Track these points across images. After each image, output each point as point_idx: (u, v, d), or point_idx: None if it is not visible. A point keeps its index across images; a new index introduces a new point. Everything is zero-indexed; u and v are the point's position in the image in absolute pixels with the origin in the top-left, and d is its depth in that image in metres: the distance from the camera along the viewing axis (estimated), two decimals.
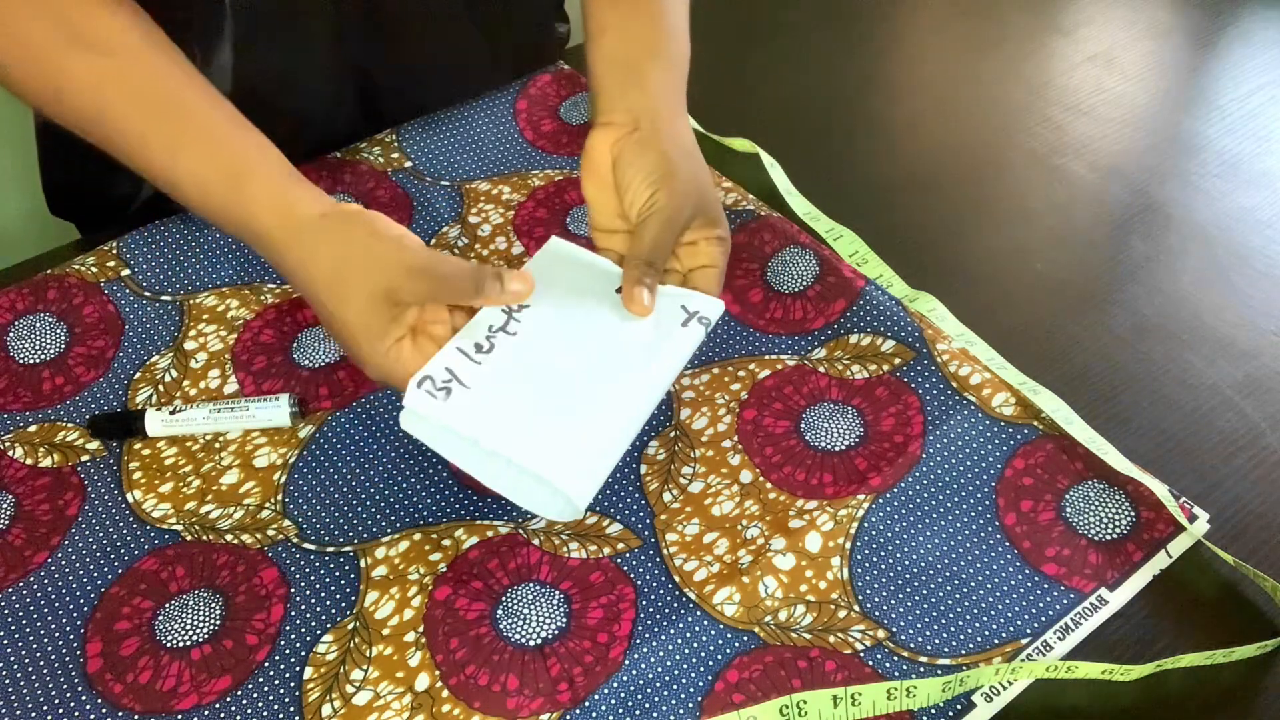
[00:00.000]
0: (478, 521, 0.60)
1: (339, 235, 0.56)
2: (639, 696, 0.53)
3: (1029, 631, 0.55)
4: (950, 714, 0.52)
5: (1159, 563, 0.58)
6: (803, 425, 0.64)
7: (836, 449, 0.63)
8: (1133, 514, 0.59)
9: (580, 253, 0.62)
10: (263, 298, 0.72)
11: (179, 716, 0.53)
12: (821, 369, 0.67)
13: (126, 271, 0.73)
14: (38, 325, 0.70)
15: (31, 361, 0.69)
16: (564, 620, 0.56)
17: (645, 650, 0.54)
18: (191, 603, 0.57)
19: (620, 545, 0.59)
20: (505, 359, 0.56)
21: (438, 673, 0.54)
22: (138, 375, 0.68)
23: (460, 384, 0.54)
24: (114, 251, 0.74)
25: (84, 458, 0.64)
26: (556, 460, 0.53)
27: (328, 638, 0.56)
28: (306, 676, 0.54)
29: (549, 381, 0.56)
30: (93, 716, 0.53)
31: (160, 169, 0.58)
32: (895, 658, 0.54)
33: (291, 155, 0.80)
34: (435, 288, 0.55)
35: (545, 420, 0.54)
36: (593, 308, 0.59)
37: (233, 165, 0.58)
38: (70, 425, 0.65)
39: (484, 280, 0.55)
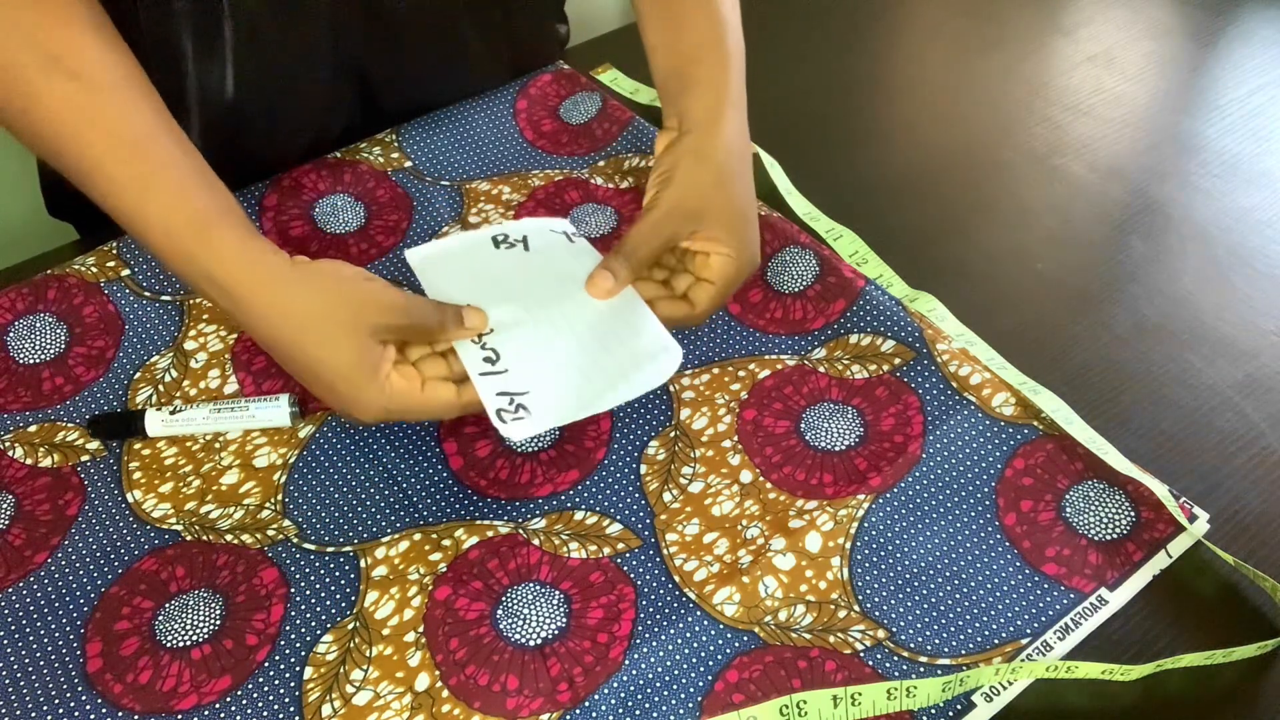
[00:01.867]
0: (478, 521, 0.60)
1: (314, 280, 0.57)
2: (639, 696, 0.53)
3: (1029, 631, 0.55)
4: (950, 714, 0.52)
5: (1159, 563, 0.58)
6: (803, 425, 0.64)
7: (836, 449, 0.63)
8: (1133, 514, 0.59)
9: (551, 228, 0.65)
10: None
11: (179, 716, 0.53)
12: (821, 369, 0.67)
13: (126, 271, 0.73)
14: (38, 325, 0.70)
15: (31, 361, 0.69)
16: (564, 620, 0.56)
17: (645, 650, 0.54)
18: (191, 603, 0.57)
19: (620, 545, 0.59)
20: (514, 352, 0.59)
21: (438, 673, 0.54)
22: (138, 375, 0.68)
23: (520, 394, 0.57)
24: (114, 251, 0.74)
25: (84, 458, 0.64)
26: (639, 374, 0.58)
27: (328, 638, 0.56)
28: (306, 676, 0.54)
29: (557, 337, 0.60)
30: (93, 716, 0.53)
31: (126, 208, 0.57)
32: (895, 658, 0.54)
33: (291, 155, 0.80)
34: (409, 325, 0.58)
35: (596, 359, 0.59)
36: (552, 277, 0.63)
37: (201, 214, 0.57)
38: (70, 425, 0.65)
39: (446, 320, 0.58)
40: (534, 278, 0.63)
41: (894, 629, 0.55)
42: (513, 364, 0.58)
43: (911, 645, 0.55)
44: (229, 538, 0.60)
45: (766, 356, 0.68)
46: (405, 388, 0.57)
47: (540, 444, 0.64)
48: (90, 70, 0.56)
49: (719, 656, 0.54)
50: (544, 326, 0.60)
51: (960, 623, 0.56)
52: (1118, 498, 0.60)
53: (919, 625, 0.55)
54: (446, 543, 0.59)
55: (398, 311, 0.57)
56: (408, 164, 0.81)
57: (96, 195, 0.57)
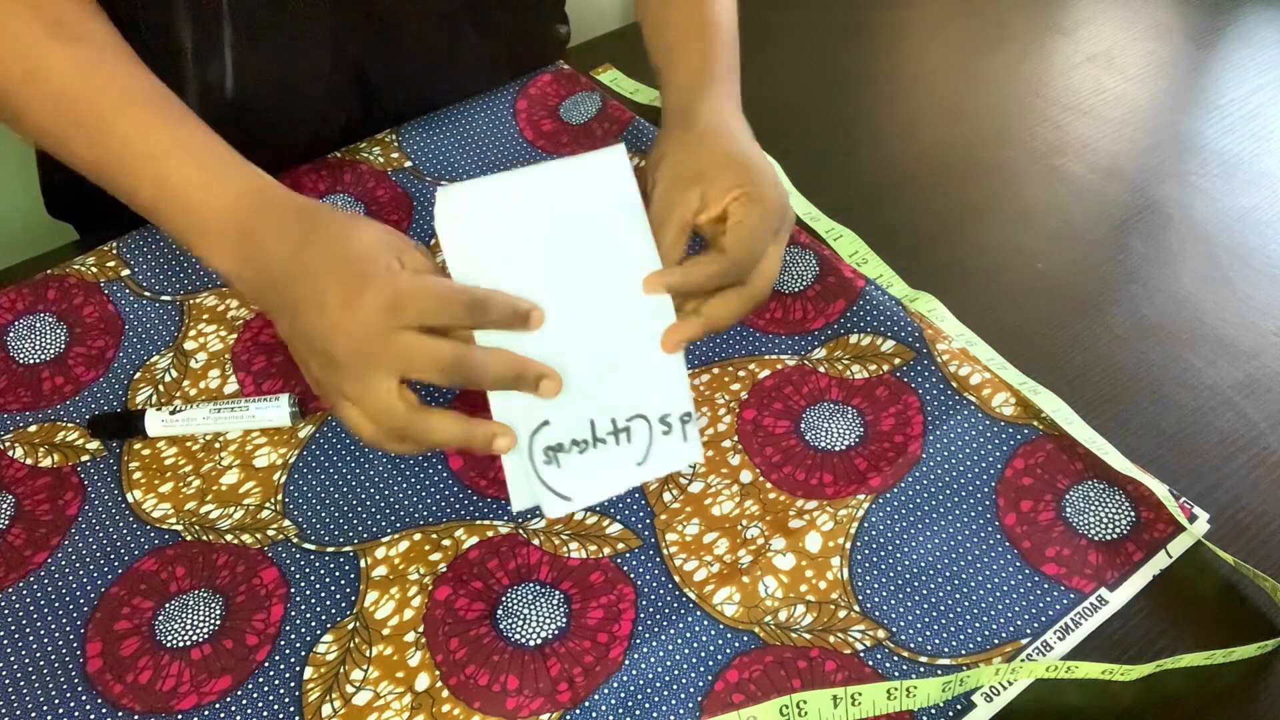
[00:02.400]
0: (478, 521, 0.60)
1: (345, 222, 0.53)
2: (639, 696, 0.53)
3: (1029, 631, 0.55)
4: (950, 714, 0.52)
5: (1159, 563, 0.58)
6: (803, 425, 0.64)
7: (836, 449, 0.63)
8: (1133, 514, 0.59)
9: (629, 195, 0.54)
10: None
11: (179, 716, 0.53)
12: (821, 369, 0.67)
13: (126, 271, 0.73)
14: (38, 325, 0.70)
15: (31, 361, 0.69)
16: (564, 620, 0.56)
17: (645, 650, 0.54)
18: (191, 603, 0.57)
19: (620, 545, 0.59)
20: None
21: (438, 673, 0.54)
22: (138, 375, 0.68)
23: (562, 451, 0.54)
24: (114, 251, 0.74)
25: (84, 458, 0.64)
26: (660, 459, 0.55)
27: (328, 638, 0.56)
28: (306, 676, 0.54)
29: (590, 393, 0.54)
30: (93, 716, 0.53)
31: (147, 152, 0.56)
32: (895, 658, 0.54)
33: (291, 155, 0.80)
34: (435, 269, 0.53)
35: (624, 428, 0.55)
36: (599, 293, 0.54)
37: (226, 150, 0.57)
38: (70, 425, 0.65)
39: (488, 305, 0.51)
40: (570, 247, 0.53)
41: (894, 629, 0.55)
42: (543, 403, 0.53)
43: (911, 645, 0.55)
44: (229, 538, 0.60)
45: (766, 356, 0.68)
46: (413, 280, 0.50)
47: None
48: (92, 33, 0.58)
49: (719, 656, 0.54)
50: (578, 341, 0.54)
51: (960, 623, 0.56)
52: (1118, 498, 0.60)
53: (919, 625, 0.55)
54: (446, 543, 0.59)
55: (438, 292, 0.51)
56: (408, 164, 0.81)
57: (107, 150, 0.57)
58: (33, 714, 0.53)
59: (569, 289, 0.53)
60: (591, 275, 0.54)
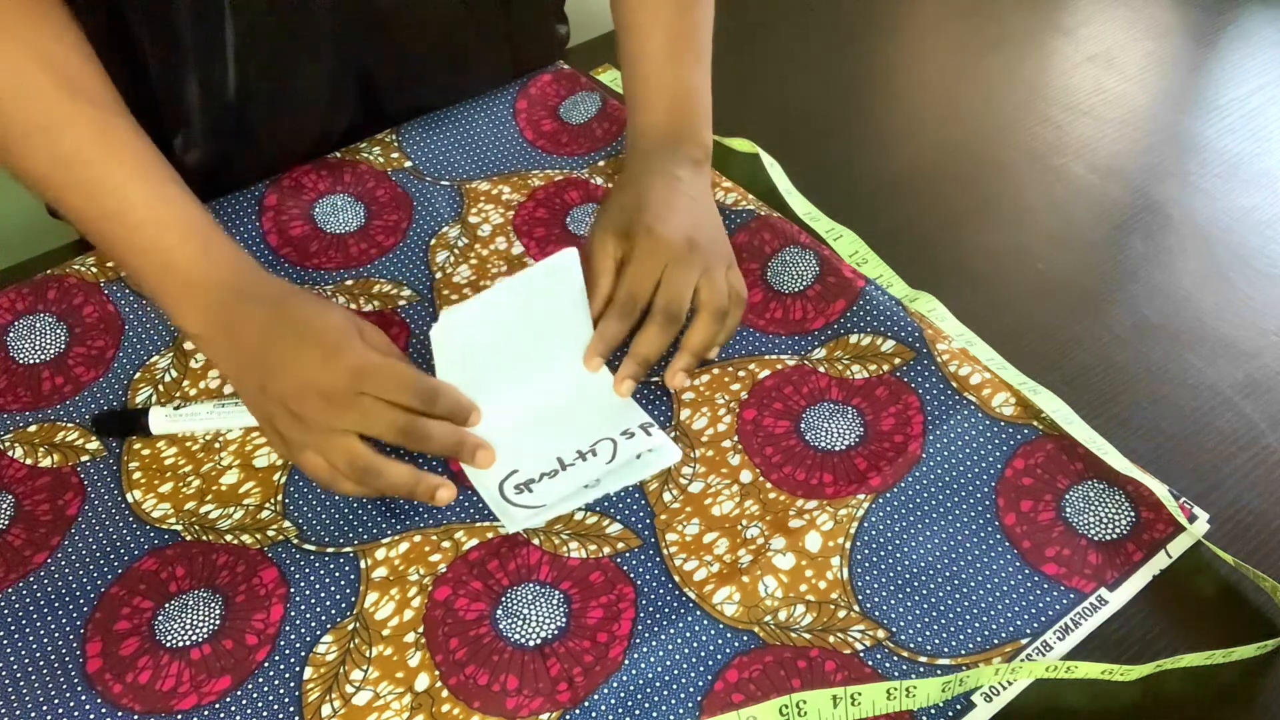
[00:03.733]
0: (477, 523, 0.60)
1: (318, 303, 0.62)
2: (639, 696, 0.53)
3: (1029, 631, 0.55)
4: (950, 714, 0.52)
5: (1159, 563, 0.58)
6: (803, 425, 0.64)
7: (836, 449, 0.63)
8: (1133, 514, 0.59)
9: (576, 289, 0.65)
10: None
11: (179, 716, 0.53)
12: (821, 369, 0.67)
13: (126, 271, 0.73)
14: (38, 325, 0.70)
15: (31, 361, 0.69)
16: (564, 620, 0.56)
17: (645, 650, 0.54)
18: (191, 603, 0.57)
19: (620, 545, 0.59)
20: (514, 441, 0.62)
21: (437, 673, 0.54)
22: (138, 375, 0.68)
23: (527, 479, 0.61)
24: None
25: (84, 458, 0.64)
26: (628, 458, 0.61)
27: (328, 638, 0.55)
28: (306, 677, 0.54)
29: (554, 422, 0.63)
30: (92, 716, 0.53)
31: (151, 218, 0.60)
32: (895, 658, 0.54)
33: (293, 156, 0.80)
34: (392, 349, 0.61)
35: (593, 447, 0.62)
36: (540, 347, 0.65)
37: (212, 231, 0.62)
38: (70, 425, 0.65)
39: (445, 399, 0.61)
40: (533, 343, 0.64)
41: (894, 629, 0.55)
42: (512, 448, 0.62)
43: (911, 645, 0.55)
44: (229, 538, 0.60)
45: (766, 356, 0.68)
46: (384, 347, 0.60)
47: None
48: (99, 93, 0.61)
49: (719, 656, 0.54)
50: (541, 409, 0.64)
51: (960, 623, 0.56)
52: (1118, 498, 0.60)
53: (919, 625, 0.55)
54: (446, 544, 0.59)
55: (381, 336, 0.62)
56: (407, 164, 0.81)
57: (102, 210, 0.60)
58: (32, 714, 0.53)
59: (530, 364, 0.64)
60: (546, 351, 0.64)
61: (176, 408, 0.64)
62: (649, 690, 0.53)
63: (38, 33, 0.59)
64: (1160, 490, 0.59)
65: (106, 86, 0.61)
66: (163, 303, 0.62)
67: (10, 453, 0.64)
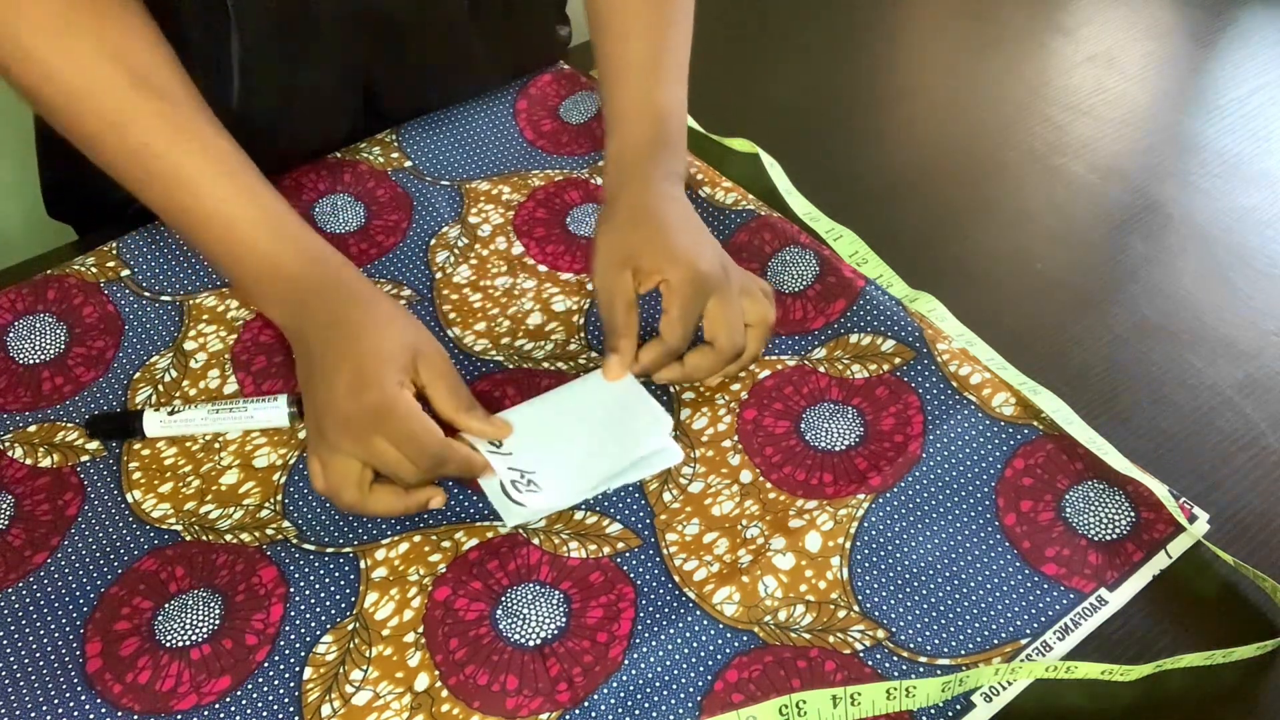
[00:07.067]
0: (477, 523, 0.60)
1: (382, 316, 0.60)
2: (638, 696, 0.53)
3: (1029, 631, 0.55)
4: (950, 714, 0.52)
5: (1159, 563, 0.58)
6: (803, 425, 0.64)
7: (836, 449, 0.63)
8: (1133, 514, 0.59)
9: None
10: None
11: (178, 716, 0.53)
12: (821, 369, 0.67)
13: (126, 272, 0.73)
14: (38, 325, 0.70)
15: (31, 362, 0.69)
16: (563, 620, 0.56)
17: (645, 650, 0.54)
18: (191, 603, 0.57)
19: (620, 545, 0.59)
20: (517, 439, 0.61)
21: (437, 673, 0.54)
22: (137, 375, 0.68)
23: (529, 472, 0.59)
24: (114, 252, 0.74)
25: (83, 458, 0.64)
26: (644, 465, 0.62)
27: (327, 638, 0.55)
28: (306, 677, 0.54)
29: (562, 421, 0.62)
30: (92, 716, 0.53)
31: (228, 212, 0.60)
32: (895, 658, 0.54)
33: (295, 159, 0.80)
34: (447, 375, 0.59)
35: (603, 446, 0.61)
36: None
37: (290, 224, 0.62)
38: (70, 425, 0.65)
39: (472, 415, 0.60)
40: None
41: (893, 629, 0.55)
42: (520, 446, 0.60)
43: (911, 645, 0.55)
44: (228, 538, 0.60)
45: (766, 357, 0.68)
46: (437, 371, 0.58)
47: None
48: (171, 88, 0.60)
49: (718, 656, 0.54)
50: (549, 410, 0.63)
51: (960, 623, 0.56)
52: (1118, 498, 0.60)
53: (919, 625, 0.55)
54: (446, 544, 0.59)
55: (443, 356, 0.60)
56: (408, 164, 0.81)
57: (180, 203, 0.60)
58: (32, 714, 0.53)
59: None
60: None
61: (171, 412, 0.64)
62: (649, 690, 0.53)
63: (108, 28, 0.59)
64: (1160, 490, 0.59)
65: (180, 81, 0.61)
66: (245, 294, 0.63)
67: (10, 453, 0.64)
